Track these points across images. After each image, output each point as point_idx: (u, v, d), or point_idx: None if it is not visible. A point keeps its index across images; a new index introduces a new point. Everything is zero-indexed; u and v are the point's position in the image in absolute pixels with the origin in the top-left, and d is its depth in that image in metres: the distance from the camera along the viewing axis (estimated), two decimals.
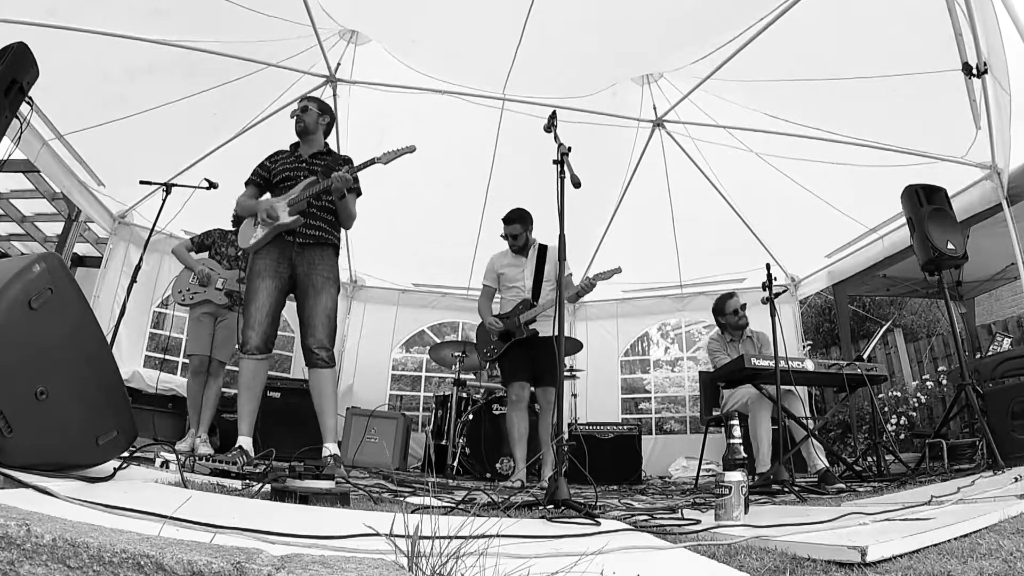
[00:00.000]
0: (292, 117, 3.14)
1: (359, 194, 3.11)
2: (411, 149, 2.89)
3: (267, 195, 3.07)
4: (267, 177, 3.05)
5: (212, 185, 3.98)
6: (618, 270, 3.63)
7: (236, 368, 4.11)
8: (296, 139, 3.18)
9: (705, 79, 4.53)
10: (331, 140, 3.54)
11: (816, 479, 3.44)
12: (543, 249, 3.85)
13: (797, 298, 6.16)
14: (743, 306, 4.32)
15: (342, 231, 3.12)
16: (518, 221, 3.83)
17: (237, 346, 3.25)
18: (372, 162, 2.91)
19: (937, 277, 3.41)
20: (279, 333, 3.03)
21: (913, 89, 3.69)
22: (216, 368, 4.04)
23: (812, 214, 5.03)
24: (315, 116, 3.12)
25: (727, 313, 4.30)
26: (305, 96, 3.31)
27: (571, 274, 3.87)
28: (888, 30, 3.57)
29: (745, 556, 1.18)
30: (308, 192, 2.88)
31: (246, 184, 3.09)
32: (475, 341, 4.03)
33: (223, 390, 4.22)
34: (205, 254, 4.22)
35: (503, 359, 3.83)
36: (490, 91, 4.85)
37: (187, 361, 4.23)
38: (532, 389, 4.30)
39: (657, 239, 5.93)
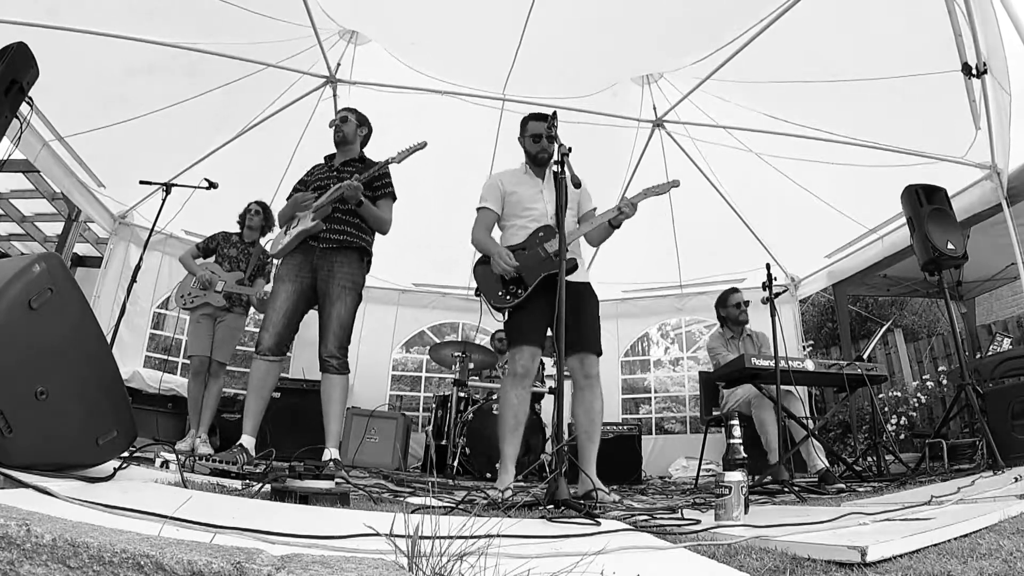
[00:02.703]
0: (331, 127, 3.19)
1: (394, 199, 3.14)
2: (422, 145, 2.93)
3: None
4: (304, 190, 3.10)
5: (212, 185, 3.98)
6: (675, 183, 2.94)
7: (237, 369, 4.11)
8: (314, 148, 3.31)
9: (705, 79, 4.53)
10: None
11: (816, 479, 3.45)
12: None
13: (797, 298, 6.16)
14: (746, 302, 4.35)
15: (376, 235, 3.12)
16: (545, 119, 2.77)
17: (241, 348, 3.28)
18: (387, 163, 2.96)
19: (937, 277, 3.42)
20: None
21: (913, 89, 3.69)
22: (216, 369, 4.05)
23: (812, 214, 5.03)
24: (354, 127, 3.18)
25: (729, 306, 4.35)
26: (345, 107, 3.35)
27: (595, 208, 3.00)
28: (888, 30, 3.57)
29: (745, 556, 1.18)
30: (330, 198, 2.91)
31: (287, 199, 3.15)
32: (477, 286, 2.87)
33: (223, 390, 4.23)
34: (212, 258, 4.26)
35: (515, 310, 2.73)
36: (490, 91, 4.86)
37: (187, 362, 4.25)
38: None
39: (657, 239, 5.92)
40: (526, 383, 2.67)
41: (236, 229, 4.35)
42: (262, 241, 4.37)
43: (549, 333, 2.82)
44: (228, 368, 4.19)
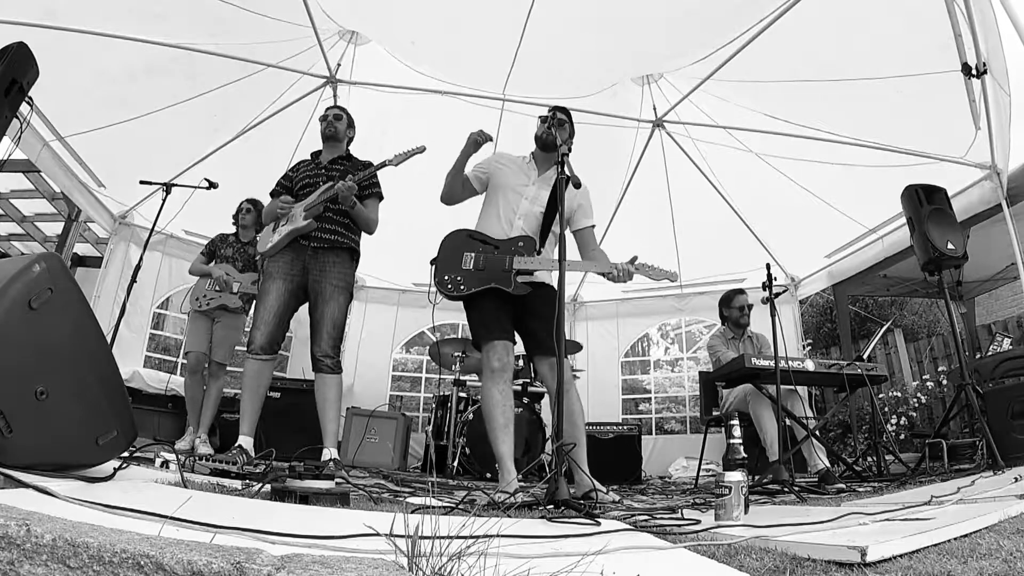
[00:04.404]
0: (322, 121, 3.19)
1: (381, 199, 3.15)
2: (421, 150, 2.93)
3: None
4: (290, 187, 3.11)
5: (212, 185, 3.99)
6: (673, 276, 2.63)
7: (238, 369, 4.11)
8: (315, 148, 3.27)
9: (705, 79, 4.53)
10: None
11: (816, 479, 3.45)
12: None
13: (797, 298, 6.16)
14: (749, 306, 4.36)
15: (363, 235, 3.13)
16: (564, 113, 2.80)
17: (240, 347, 3.28)
18: (383, 164, 2.97)
19: (937, 277, 3.42)
20: None
21: (913, 89, 3.69)
22: (216, 369, 4.05)
23: (812, 214, 5.04)
24: (345, 126, 3.21)
25: (733, 307, 4.37)
26: (337, 105, 3.35)
27: (594, 226, 2.82)
28: (888, 30, 3.57)
29: (745, 556, 1.18)
30: (323, 197, 2.90)
31: (271, 195, 3.16)
32: (436, 256, 2.71)
33: (224, 390, 4.22)
34: (213, 262, 4.25)
35: (471, 307, 2.63)
36: (490, 91, 4.86)
37: (185, 361, 4.24)
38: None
39: (657, 239, 5.92)
40: (506, 377, 2.56)
41: (231, 230, 4.35)
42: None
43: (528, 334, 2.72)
44: (228, 368, 4.19)
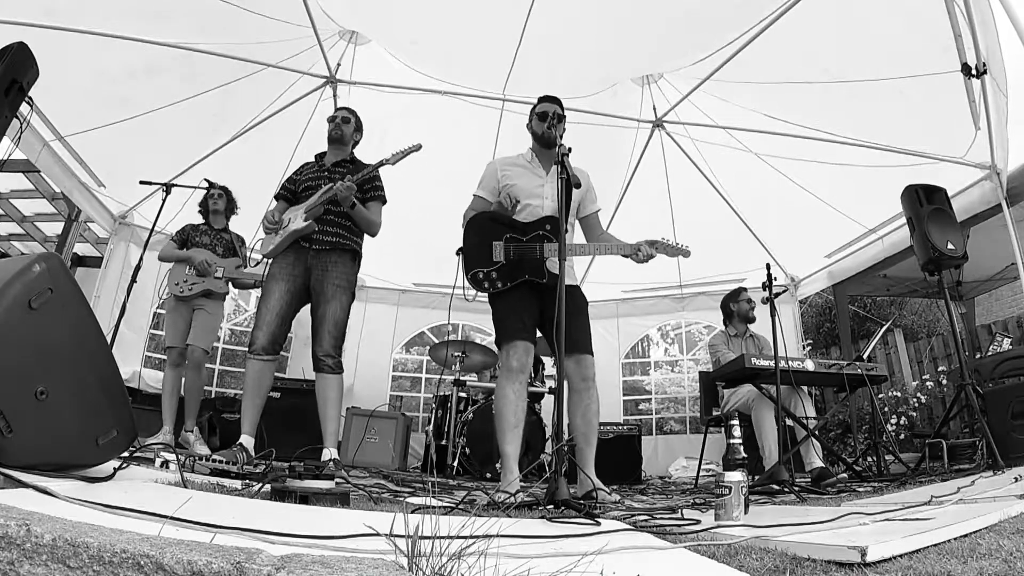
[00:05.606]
0: (330, 122, 3.17)
1: (384, 202, 3.14)
2: (417, 147, 2.92)
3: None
4: (294, 190, 3.11)
5: (212, 185, 3.98)
6: (686, 250, 2.86)
7: (238, 370, 4.09)
8: (315, 148, 3.26)
9: (705, 80, 4.53)
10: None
11: (810, 479, 3.45)
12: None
13: (797, 298, 6.16)
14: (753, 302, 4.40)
15: (365, 236, 3.12)
16: (557, 103, 2.78)
17: (242, 347, 3.27)
18: (381, 164, 2.96)
19: (937, 277, 3.42)
20: None
21: (913, 90, 3.69)
22: (199, 357, 3.94)
23: (812, 214, 5.04)
24: (352, 129, 3.19)
25: (741, 300, 4.43)
26: (348, 108, 3.31)
27: (599, 211, 2.90)
28: (888, 31, 3.57)
29: (745, 556, 1.18)
30: (323, 198, 2.90)
31: (275, 198, 3.16)
32: (462, 247, 2.66)
33: (223, 390, 4.20)
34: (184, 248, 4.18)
35: (499, 303, 2.61)
36: (490, 91, 4.86)
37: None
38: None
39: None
40: (522, 379, 2.54)
41: (202, 221, 4.28)
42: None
43: (540, 333, 2.73)
44: (229, 370, 4.17)
